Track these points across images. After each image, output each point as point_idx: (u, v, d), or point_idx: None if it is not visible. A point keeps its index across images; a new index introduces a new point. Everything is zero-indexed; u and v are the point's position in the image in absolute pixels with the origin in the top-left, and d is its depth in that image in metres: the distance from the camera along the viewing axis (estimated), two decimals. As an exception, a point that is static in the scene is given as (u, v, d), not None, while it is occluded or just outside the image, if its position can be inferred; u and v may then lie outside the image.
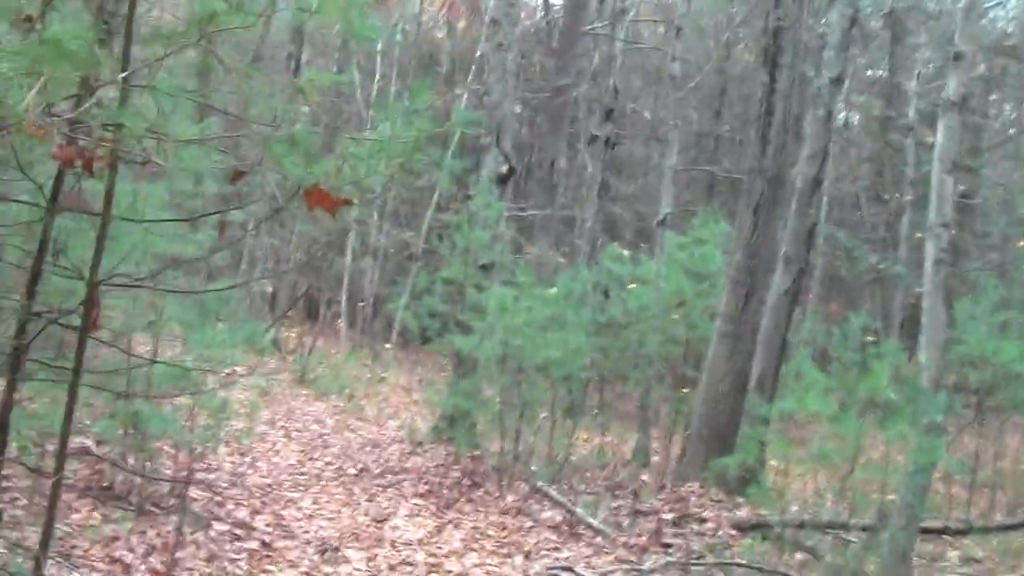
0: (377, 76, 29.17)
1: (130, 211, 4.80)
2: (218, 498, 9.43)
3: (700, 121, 33.26)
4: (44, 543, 4.14)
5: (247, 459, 11.91)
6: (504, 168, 15.20)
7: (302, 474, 11.83)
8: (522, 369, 12.28)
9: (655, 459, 15.01)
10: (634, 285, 15.23)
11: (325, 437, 14.71)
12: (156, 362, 6.43)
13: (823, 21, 17.18)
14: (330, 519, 9.92)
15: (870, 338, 14.92)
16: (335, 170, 4.04)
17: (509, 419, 12.28)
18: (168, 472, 9.01)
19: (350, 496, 11.01)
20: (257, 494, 10.22)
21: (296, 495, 10.63)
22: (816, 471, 9.05)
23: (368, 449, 14.09)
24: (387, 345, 24.52)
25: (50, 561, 6.22)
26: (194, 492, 8.98)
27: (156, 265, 5.70)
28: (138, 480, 8.29)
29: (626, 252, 17.25)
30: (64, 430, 4.12)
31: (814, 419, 9.44)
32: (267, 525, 9.13)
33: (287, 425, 15.17)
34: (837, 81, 13.48)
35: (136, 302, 7.56)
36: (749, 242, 12.73)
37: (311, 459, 12.88)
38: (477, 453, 12.90)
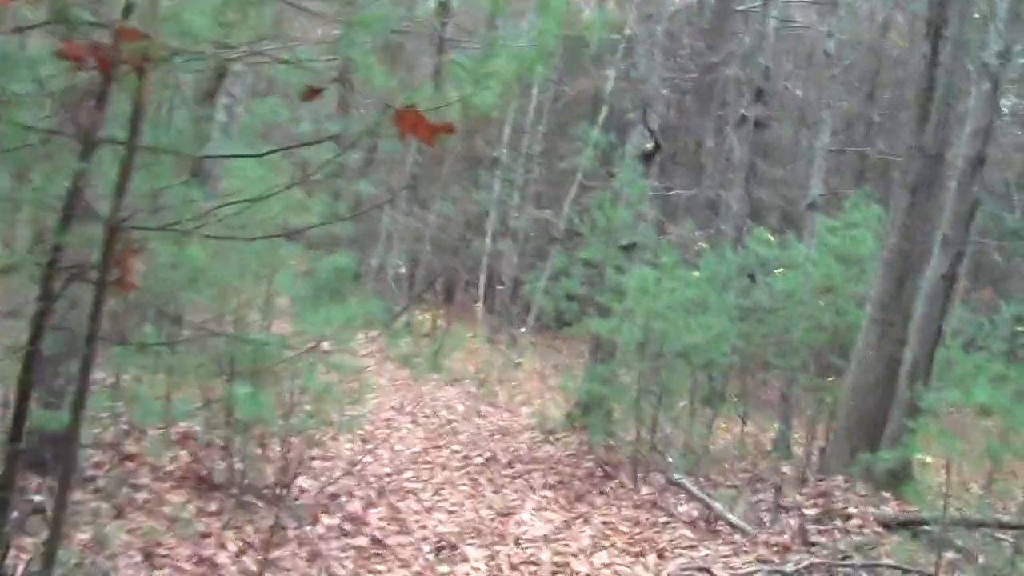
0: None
1: (177, 141, 3.98)
2: (330, 488, 9.01)
3: (852, 104, 32.09)
4: (51, 540, 3.69)
5: (369, 446, 11.55)
6: (650, 145, 14.60)
7: (426, 463, 11.42)
8: (662, 354, 11.68)
9: (797, 451, 14.29)
10: (781, 270, 14.57)
11: (454, 424, 14.30)
12: (237, 338, 5.95)
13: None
14: (451, 512, 9.48)
15: (1021, 328, 14.15)
16: (433, 88, 3.43)
17: (646, 407, 11.68)
18: (277, 460, 8.18)
19: (475, 487, 10.57)
20: (374, 484, 9.82)
21: (417, 486, 10.22)
22: (980, 466, 8.32)
23: (498, 437, 13.64)
24: (522, 329, 24.02)
25: (129, 559, 5.82)
26: (304, 482, 8.59)
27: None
28: (239, 467, 7.82)
29: (772, 237, 16.51)
30: (74, 410, 3.62)
31: (961, 411, 8.77)
32: (381, 519, 8.68)
33: (415, 411, 14.82)
34: (1004, 54, 12.58)
35: (242, 270, 7.02)
36: (905, 224, 11.98)
37: (437, 447, 12.47)
38: (611, 443, 12.35)
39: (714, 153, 25.04)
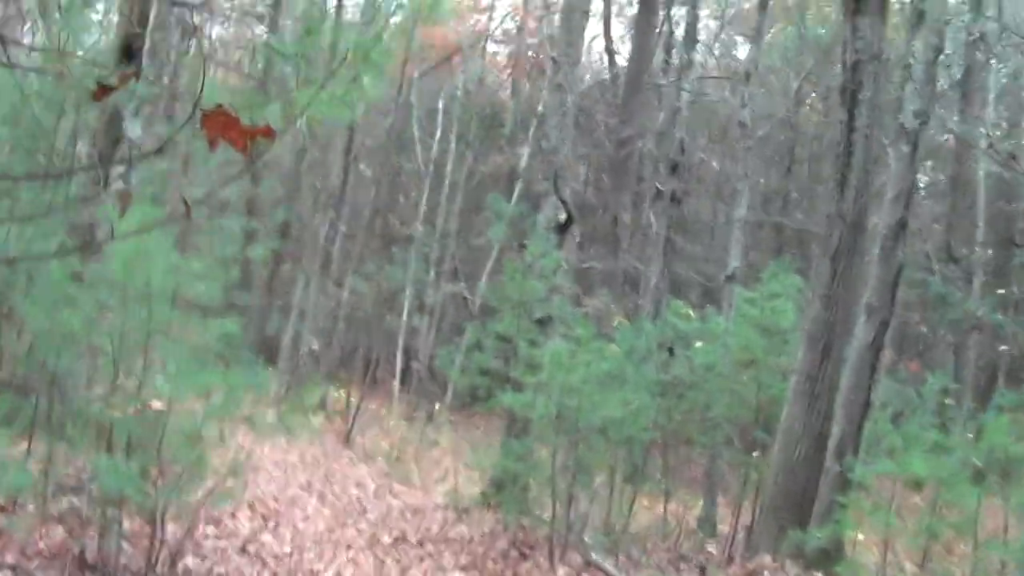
0: (438, 135, 28.53)
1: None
2: (220, 569, 8.36)
3: (769, 178, 32.24)
4: None
5: (270, 524, 10.88)
6: (563, 216, 14.24)
7: (331, 542, 10.74)
8: (579, 430, 11.17)
9: (723, 528, 13.84)
10: (700, 344, 14.20)
11: (364, 502, 13.65)
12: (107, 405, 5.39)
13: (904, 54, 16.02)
14: (354, 596, 8.86)
15: (948, 400, 13.89)
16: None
17: (563, 483, 11.15)
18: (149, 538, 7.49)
19: (380, 568, 9.92)
20: (271, 565, 9.17)
21: (319, 566, 9.55)
22: (916, 544, 7.91)
23: (409, 516, 13.02)
24: (436, 405, 23.47)
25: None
26: (191, 561, 7.95)
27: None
28: (115, 547, 7.14)
29: (691, 311, 16.14)
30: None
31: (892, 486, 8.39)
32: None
33: (323, 488, 14.18)
34: (922, 114, 12.40)
35: (123, 341, 6.43)
36: (827, 293, 11.63)
37: (343, 525, 11.79)
38: (527, 522, 11.79)
39: (631, 228, 24.82)
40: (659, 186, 21.41)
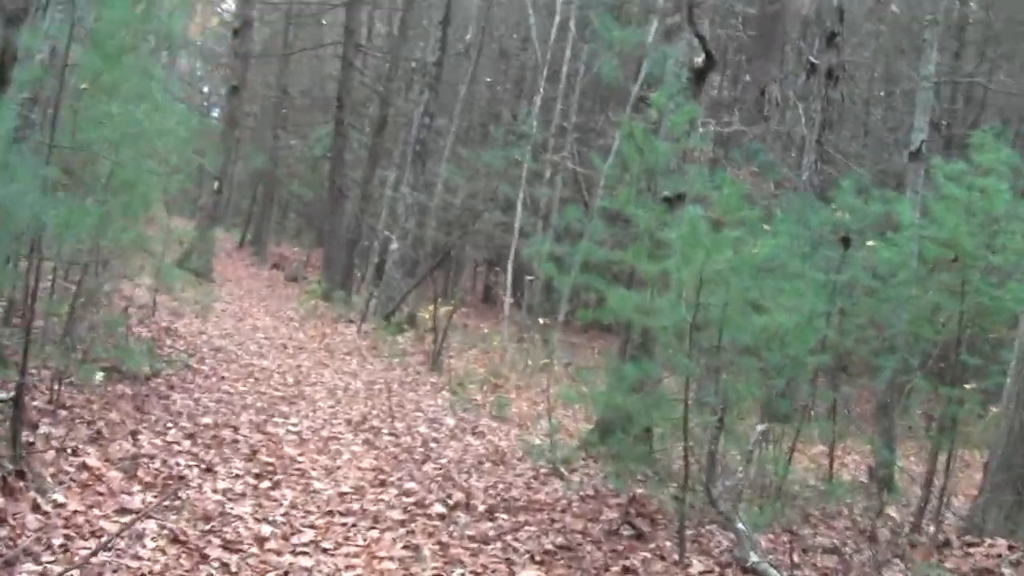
0: (556, 19, 24.64)
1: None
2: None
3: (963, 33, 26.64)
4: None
5: (264, 482, 7.41)
6: (699, 58, 10.44)
7: (348, 514, 7.13)
8: (721, 347, 7.38)
9: (901, 484, 10.08)
10: (871, 243, 10.17)
11: (431, 445, 10.13)
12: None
13: None
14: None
15: None
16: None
17: (700, 428, 7.43)
18: None
19: (405, 566, 6.25)
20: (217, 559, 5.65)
21: (306, 562, 5.95)
22: None
23: (487, 466, 9.46)
24: (541, 321, 19.79)
25: None
26: None
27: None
28: None
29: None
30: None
31: None
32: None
33: (380, 424, 10.72)
34: None
35: None
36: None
37: (382, 483, 8.25)
38: (646, 484, 8.13)
39: (780, 106, 20.40)
40: (812, 59, 17.24)
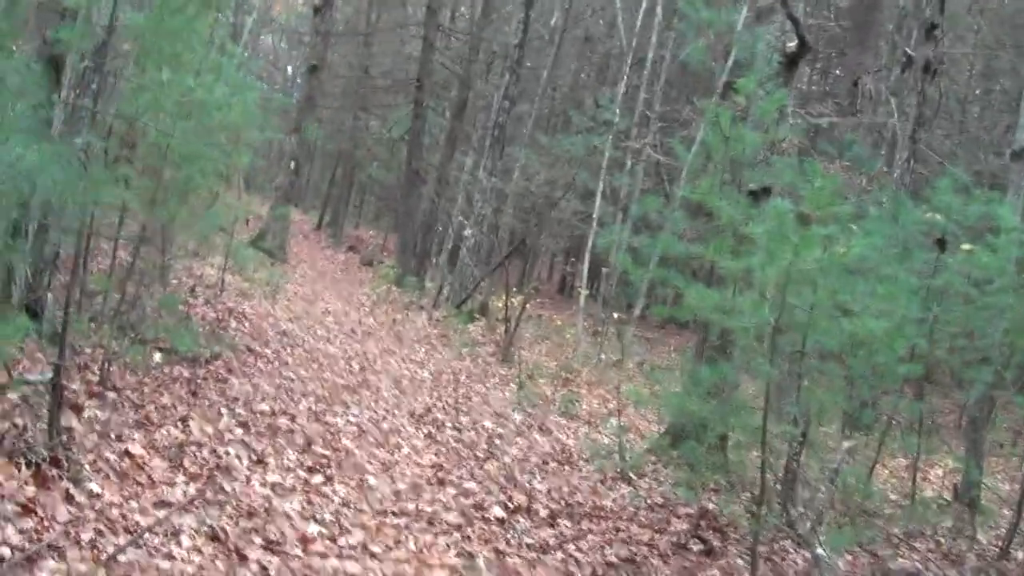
0: (643, 3, 24.03)
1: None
2: None
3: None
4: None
5: (317, 479, 7.02)
6: (792, 43, 9.90)
7: (401, 515, 6.71)
8: (804, 352, 6.86)
9: (989, 504, 9.45)
10: (968, 247, 9.54)
11: (495, 441, 9.72)
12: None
13: None
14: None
15: None
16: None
17: (779, 437, 6.94)
18: None
19: (465, 566, 5.86)
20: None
21: (354, 569, 5.57)
22: None
23: (552, 466, 9.03)
24: (615, 315, 19.28)
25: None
26: None
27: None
28: None
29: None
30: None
31: None
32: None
33: (444, 418, 10.32)
34: None
35: None
36: None
37: (440, 482, 7.85)
38: (720, 495, 7.64)
39: (873, 101, 19.63)
40: (908, 52, 16.54)
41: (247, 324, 12.41)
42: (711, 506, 7.44)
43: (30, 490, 4.87)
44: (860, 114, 17.61)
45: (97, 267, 8.79)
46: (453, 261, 21.69)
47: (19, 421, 5.21)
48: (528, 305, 17.91)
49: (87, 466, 5.55)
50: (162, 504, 5.59)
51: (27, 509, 4.76)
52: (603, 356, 17.28)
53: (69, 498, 5.16)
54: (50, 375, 5.49)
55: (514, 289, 18.68)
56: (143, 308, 8.52)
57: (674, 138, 21.91)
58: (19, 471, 4.94)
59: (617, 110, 21.60)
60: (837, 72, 21.68)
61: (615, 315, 19.17)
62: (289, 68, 47.78)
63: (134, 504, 5.45)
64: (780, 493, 6.92)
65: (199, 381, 8.38)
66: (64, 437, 5.49)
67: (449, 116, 28.30)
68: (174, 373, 8.25)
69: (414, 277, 23.07)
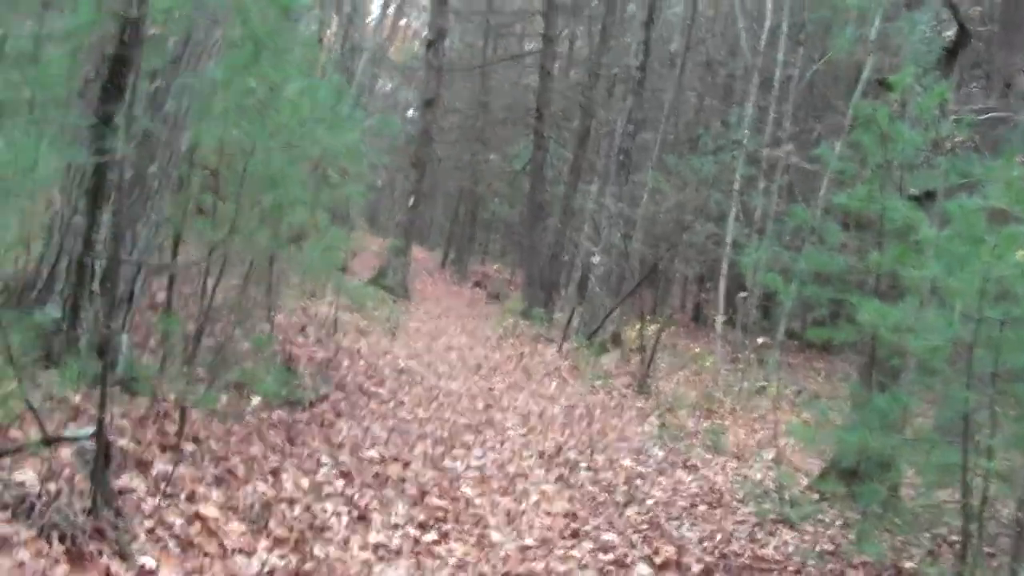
0: (767, 23, 23.00)
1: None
2: None
3: None
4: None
5: (429, 533, 6.16)
6: (951, 33, 8.88)
7: (525, 575, 5.85)
8: (997, 374, 5.78)
9: None
10: None
11: (634, 483, 8.78)
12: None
13: None
14: None
15: None
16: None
17: (978, 475, 5.88)
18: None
19: None
20: None
21: None
22: None
23: (702, 509, 8.05)
24: (760, 340, 18.13)
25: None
26: None
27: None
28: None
29: None
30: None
31: None
32: None
33: (577, 458, 9.40)
34: None
35: None
36: None
37: (573, 533, 6.92)
38: (904, 544, 6.57)
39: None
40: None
41: (362, 363, 11.66)
42: (907, 564, 6.35)
43: (60, 570, 3.99)
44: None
45: (185, 305, 8.05)
46: (582, 292, 20.90)
47: (52, 487, 4.33)
48: (663, 334, 16.95)
49: (143, 535, 4.65)
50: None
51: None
52: (745, 384, 16.23)
53: (109, 577, 4.27)
54: (92, 430, 4.62)
55: (648, 317, 17.69)
56: (235, 349, 7.72)
57: (807, 159, 20.87)
58: (50, 546, 4.06)
59: (746, 131, 20.63)
60: (987, 74, 20.30)
61: (759, 340, 18.04)
62: (409, 111, 47.58)
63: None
64: (979, 538, 5.84)
65: (300, 426, 7.59)
66: (112, 502, 4.60)
67: (572, 146, 27.62)
68: (273, 419, 7.48)
69: (542, 309, 22.33)
